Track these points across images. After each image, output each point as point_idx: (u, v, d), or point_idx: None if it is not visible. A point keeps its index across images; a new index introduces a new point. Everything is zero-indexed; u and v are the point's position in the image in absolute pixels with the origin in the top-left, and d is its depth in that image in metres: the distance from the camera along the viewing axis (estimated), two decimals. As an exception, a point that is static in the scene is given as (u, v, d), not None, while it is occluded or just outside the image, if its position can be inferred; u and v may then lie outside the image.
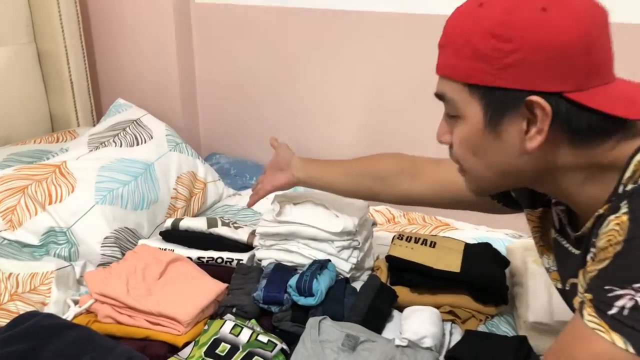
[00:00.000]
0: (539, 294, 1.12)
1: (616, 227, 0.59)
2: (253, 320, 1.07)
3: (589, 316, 0.59)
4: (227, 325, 1.03)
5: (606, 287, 0.58)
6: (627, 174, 0.62)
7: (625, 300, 0.56)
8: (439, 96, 0.71)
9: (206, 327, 1.05)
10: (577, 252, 0.71)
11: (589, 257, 0.65)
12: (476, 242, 1.34)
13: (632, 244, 0.57)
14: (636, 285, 0.55)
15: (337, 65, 1.77)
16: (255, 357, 0.97)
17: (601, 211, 0.63)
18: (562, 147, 0.65)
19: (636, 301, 0.55)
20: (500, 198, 0.92)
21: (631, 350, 0.55)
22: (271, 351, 0.99)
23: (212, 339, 1.00)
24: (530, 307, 1.09)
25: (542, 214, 0.83)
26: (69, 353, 0.86)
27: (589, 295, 0.60)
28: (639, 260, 0.56)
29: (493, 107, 0.65)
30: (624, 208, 0.59)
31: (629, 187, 0.61)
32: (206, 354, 0.98)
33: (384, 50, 1.67)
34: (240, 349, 0.99)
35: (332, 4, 1.70)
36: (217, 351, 0.98)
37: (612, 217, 0.60)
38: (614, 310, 0.56)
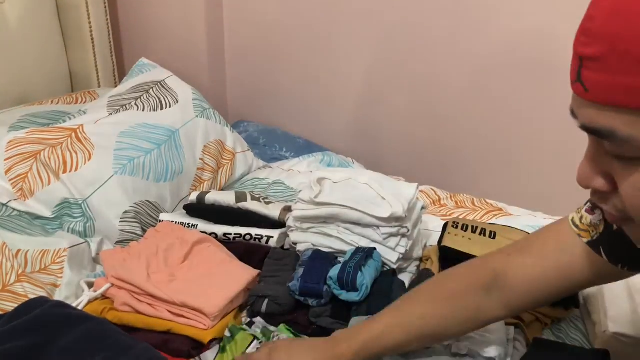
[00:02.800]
0: (618, 298, 0.96)
1: None
2: (281, 326, 0.93)
3: None
4: (254, 347, 0.88)
5: None
6: None
7: None
8: (594, 132, 0.48)
9: (227, 335, 0.90)
10: None
11: None
12: (538, 232, 1.18)
13: None
14: None
15: (376, 28, 1.59)
16: None
17: None
18: None
19: None
20: (623, 259, 0.70)
21: None
22: None
23: None
24: (610, 314, 0.94)
25: None
26: (79, 350, 0.74)
27: None
28: None
29: None
30: None
31: None
32: None
33: (443, 10, 1.49)
34: None
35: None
36: None
37: None
38: None
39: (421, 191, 1.49)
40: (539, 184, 1.57)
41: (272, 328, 0.92)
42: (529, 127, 1.50)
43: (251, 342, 0.88)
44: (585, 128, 0.49)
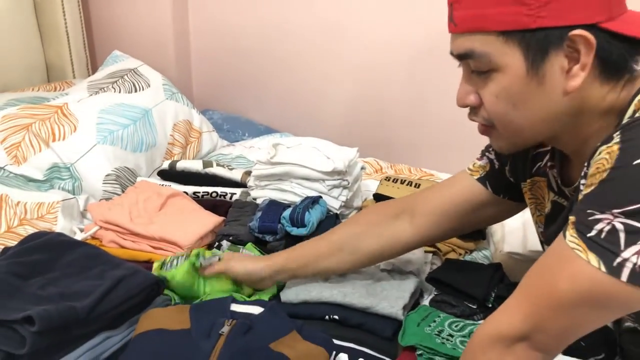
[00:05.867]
0: (514, 228, 1.20)
1: (606, 156, 0.60)
2: (249, 245, 1.14)
3: (571, 237, 0.61)
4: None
5: (588, 211, 0.60)
6: (628, 114, 0.64)
7: (603, 224, 0.58)
8: (461, 55, 0.68)
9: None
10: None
11: (581, 187, 0.66)
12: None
13: (617, 172, 0.59)
14: (615, 211, 0.57)
15: (332, 20, 1.82)
16: None
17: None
18: (594, 85, 0.66)
19: (613, 225, 0.58)
20: (504, 191, 0.92)
21: (603, 269, 0.58)
22: None
23: None
24: (506, 239, 1.18)
25: (531, 184, 0.87)
26: (81, 264, 0.92)
27: (572, 218, 0.62)
28: (620, 187, 0.58)
29: (534, 50, 0.63)
30: (617, 138, 0.60)
31: (625, 121, 0.63)
32: None
33: (381, 5, 1.72)
34: None
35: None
36: None
37: (603, 147, 0.62)
38: (592, 233, 0.59)
39: (365, 162, 1.72)
40: (465, 156, 1.82)
41: (239, 247, 1.13)
42: (453, 109, 1.74)
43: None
44: (457, 55, 0.70)
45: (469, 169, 0.96)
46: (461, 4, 0.66)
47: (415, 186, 1.32)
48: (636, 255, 0.57)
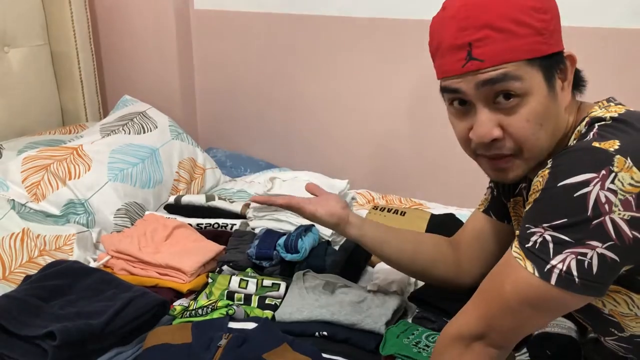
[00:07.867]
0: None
1: (540, 179, 0.72)
2: (248, 270, 1.25)
3: (515, 247, 0.73)
4: (234, 280, 1.18)
5: (526, 226, 0.71)
6: (570, 142, 0.77)
7: (537, 237, 0.70)
8: (494, 80, 0.72)
9: (210, 280, 1.21)
10: None
11: None
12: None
13: (545, 193, 0.70)
14: (545, 225, 0.69)
15: (331, 66, 1.96)
16: (268, 297, 1.16)
17: None
18: (570, 101, 0.78)
19: (544, 237, 0.69)
20: (506, 217, 1.01)
21: (536, 274, 0.69)
22: (278, 290, 1.17)
23: (226, 292, 1.17)
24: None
25: (514, 203, 0.98)
26: (96, 288, 1.04)
27: (517, 232, 0.74)
28: (548, 205, 0.70)
29: (549, 72, 0.74)
30: (549, 164, 0.71)
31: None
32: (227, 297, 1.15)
33: (373, 54, 1.87)
34: (253, 296, 1.16)
35: (321, 10, 1.90)
36: (234, 299, 1.15)
37: (540, 171, 0.73)
38: (529, 244, 0.70)
39: (358, 193, 1.84)
40: (454, 185, 1.93)
41: (237, 272, 1.23)
42: (445, 145, 1.87)
43: (230, 279, 1.18)
44: (488, 82, 0.72)
45: (479, 204, 1.07)
46: (485, 41, 0.72)
47: (400, 214, 1.43)
48: (562, 263, 0.68)
